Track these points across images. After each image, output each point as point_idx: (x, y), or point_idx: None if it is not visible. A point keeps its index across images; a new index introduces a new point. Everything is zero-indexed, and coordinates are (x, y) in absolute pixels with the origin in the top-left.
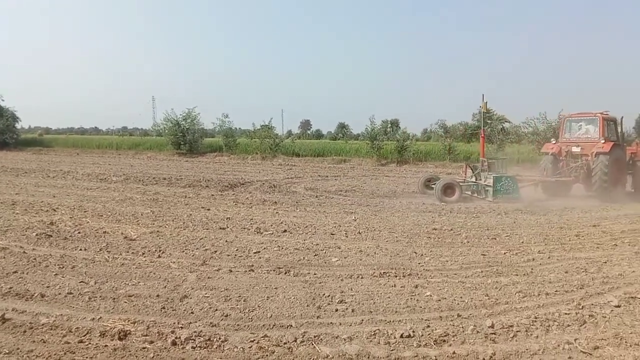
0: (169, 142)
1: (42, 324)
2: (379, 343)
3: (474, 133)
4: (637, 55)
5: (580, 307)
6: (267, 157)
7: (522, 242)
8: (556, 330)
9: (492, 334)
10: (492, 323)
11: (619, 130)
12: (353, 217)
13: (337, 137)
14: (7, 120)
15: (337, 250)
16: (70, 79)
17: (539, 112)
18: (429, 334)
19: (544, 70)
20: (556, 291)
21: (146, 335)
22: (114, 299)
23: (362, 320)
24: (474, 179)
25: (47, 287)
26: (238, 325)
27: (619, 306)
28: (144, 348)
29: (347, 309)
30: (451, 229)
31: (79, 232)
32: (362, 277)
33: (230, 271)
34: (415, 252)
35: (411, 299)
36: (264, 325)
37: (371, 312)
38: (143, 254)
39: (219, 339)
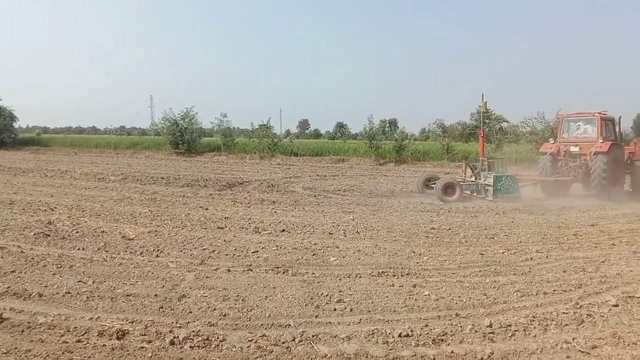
0: (167, 142)
1: (40, 324)
2: (377, 342)
3: (472, 133)
4: (635, 55)
5: (578, 306)
6: (265, 157)
7: (520, 241)
8: (554, 329)
9: (490, 333)
10: (490, 322)
11: (617, 129)
12: (351, 217)
13: (335, 137)
14: (5, 119)
15: (335, 249)
16: (69, 79)
17: (537, 111)
18: (427, 334)
19: (542, 70)
20: (554, 290)
21: (144, 335)
22: (112, 298)
23: (361, 319)
24: (473, 179)
25: (45, 286)
26: (236, 324)
27: (616, 305)
28: (142, 347)
29: (345, 308)
30: (449, 229)
31: (76, 232)
32: (360, 277)
33: (229, 271)
34: (414, 252)
35: (409, 298)
36: (262, 325)
37: (369, 311)
38: (141, 253)
39: (217, 338)
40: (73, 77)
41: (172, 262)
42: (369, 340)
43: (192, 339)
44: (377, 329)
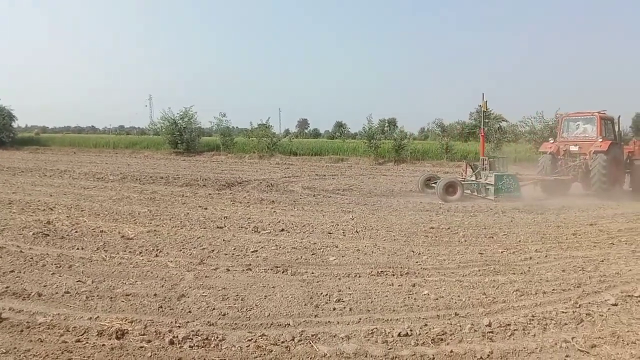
0: (166, 141)
1: (39, 324)
2: (376, 342)
3: (471, 132)
4: (634, 55)
5: (578, 305)
6: (264, 156)
7: (520, 240)
8: (553, 328)
9: (489, 332)
10: (489, 322)
11: (617, 129)
12: (350, 216)
13: (334, 136)
14: (4, 119)
15: (334, 249)
16: (68, 79)
17: (536, 111)
18: (426, 333)
19: (542, 70)
20: (553, 290)
21: (144, 335)
22: (111, 298)
23: (360, 319)
24: (474, 178)
25: (44, 286)
26: (236, 324)
27: (616, 305)
28: (141, 347)
29: (344, 307)
30: (448, 228)
31: (76, 231)
32: (359, 276)
33: (228, 270)
34: (413, 251)
35: (409, 297)
36: (261, 324)
37: (369, 310)
38: (140, 253)
39: (217, 338)
40: (73, 77)
41: (172, 261)
42: (369, 340)
43: (192, 339)
44: (376, 328)
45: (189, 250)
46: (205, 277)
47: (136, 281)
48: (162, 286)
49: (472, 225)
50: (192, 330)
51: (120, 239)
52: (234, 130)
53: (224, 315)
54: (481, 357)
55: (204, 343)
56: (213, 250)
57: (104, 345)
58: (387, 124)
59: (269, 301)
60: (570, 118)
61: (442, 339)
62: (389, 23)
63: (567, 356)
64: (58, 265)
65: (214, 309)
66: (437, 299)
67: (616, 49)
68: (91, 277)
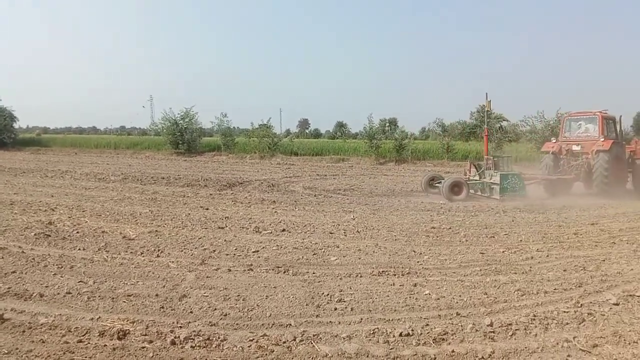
0: (167, 142)
1: (41, 324)
2: (378, 342)
3: (472, 132)
4: (634, 55)
5: (579, 305)
6: (265, 156)
7: (521, 240)
8: (555, 328)
9: (491, 332)
10: (491, 321)
11: (618, 128)
12: (352, 216)
13: (335, 136)
14: (5, 119)
15: (336, 249)
16: (69, 79)
17: (537, 110)
18: (428, 333)
19: (542, 70)
20: (555, 289)
21: (145, 335)
22: (113, 298)
23: (361, 319)
24: (477, 177)
25: (46, 287)
26: (237, 324)
27: (617, 304)
28: (143, 347)
29: (346, 307)
30: (450, 228)
31: (77, 232)
32: (361, 276)
33: (229, 270)
34: (414, 251)
35: (410, 297)
36: (263, 325)
37: (370, 310)
38: (142, 253)
39: (218, 338)
40: (73, 77)
41: (173, 262)
42: (370, 340)
43: (193, 339)
44: (377, 328)
45: (191, 250)
46: (207, 277)
47: (138, 281)
48: (164, 286)
49: (473, 225)
50: (194, 331)
51: (121, 239)
52: (235, 131)
53: (226, 315)
54: (483, 357)
55: (205, 343)
56: (214, 251)
57: (105, 345)
58: (387, 124)
59: (271, 301)
60: (572, 118)
61: (443, 339)
62: (389, 23)
63: (568, 356)
64: (60, 266)
65: (215, 309)
66: (438, 298)
67: (616, 49)
68: (93, 278)
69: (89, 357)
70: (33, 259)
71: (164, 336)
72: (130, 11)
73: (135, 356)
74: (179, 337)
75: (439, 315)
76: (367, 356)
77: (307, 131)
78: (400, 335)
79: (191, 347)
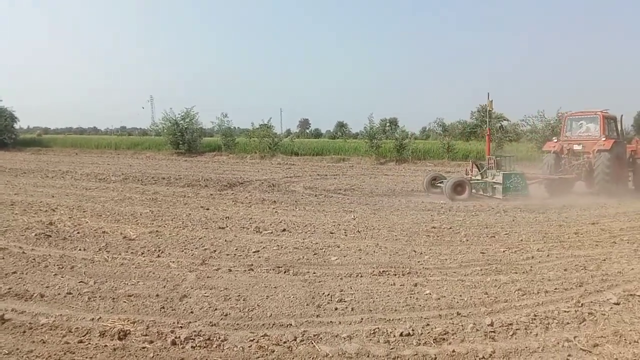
0: (168, 142)
1: (42, 324)
2: (378, 342)
3: (473, 132)
4: (634, 55)
5: (580, 304)
6: (266, 157)
7: (521, 240)
8: (555, 328)
9: (491, 332)
10: (491, 321)
11: (619, 128)
12: (352, 216)
13: (336, 136)
14: (6, 120)
15: (336, 249)
16: (69, 79)
17: (537, 110)
18: (428, 333)
19: (542, 70)
20: (555, 289)
21: (146, 335)
22: (114, 298)
23: (362, 319)
24: (479, 177)
25: (47, 287)
26: (238, 324)
27: (618, 304)
28: (143, 348)
29: (346, 307)
30: (450, 227)
31: (78, 232)
32: (361, 276)
33: (230, 270)
34: (415, 251)
35: (410, 297)
36: (263, 325)
37: (371, 310)
38: (142, 253)
39: (219, 338)
40: (73, 77)
41: (174, 262)
42: (370, 340)
43: (194, 339)
44: (378, 328)
45: (191, 250)
46: (207, 277)
47: (138, 282)
48: (164, 287)
49: (473, 225)
50: (194, 331)
51: (122, 239)
52: (235, 131)
53: (226, 315)
54: (483, 357)
55: (206, 343)
56: (215, 251)
57: (106, 346)
58: (388, 124)
59: (271, 301)
60: (573, 117)
61: (444, 339)
62: (389, 23)
63: (569, 355)
64: (60, 266)
65: (216, 309)
66: (439, 298)
67: (616, 49)
68: (93, 278)
69: (90, 358)
70: (34, 259)
71: (164, 336)
72: (130, 11)
73: (136, 356)
74: (179, 337)
75: (440, 315)
76: (368, 356)
77: (307, 131)
78: (401, 335)
79: (192, 347)
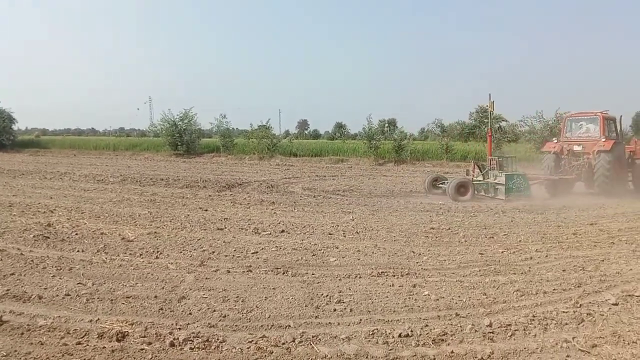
0: (166, 143)
1: (40, 326)
2: (377, 343)
3: (471, 132)
4: (634, 55)
5: (578, 305)
6: (264, 158)
7: (520, 240)
8: (554, 328)
9: (490, 332)
10: (490, 322)
11: (618, 128)
12: (351, 217)
13: (334, 137)
14: (4, 121)
15: (335, 250)
16: (68, 79)
17: (536, 110)
18: (427, 334)
19: (542, 70)
20: (554, 290)
21: (144, 337)
22: (112, 300)
23: (361, 320)
24: (481, 178)
25: (45, 288)
26: (236, 325)
27: (616, 304)
28: (142, 349)
29: (345, 308)
30: (449, 228)
31: (76, 234)
32: (360, 277)
33: (228, 272)
34: (413, 252)
35: (409, 298)
36: (262, 326)
37: (369, 311)
38: (141, 255)
39: (217, 339)
40: (73, 78)
41: (172, 263)
42: (369, 341)
43: (192, 341)
44: (377, 329)
45: (190, 252)
46: (206, 278)
47: (136, 283)
48: (163, 288)
49: (472, 226)
50: (193, 332)
51: (120, 241)
52: (234, 132)
53: (225, 317)
54: (482, 358)
55: (204, 345)
56: (213, 252)
57: (104, 347)
58: (387, 125)
59: (270, 302)
60: (573, 118)
61: (442, 340)
62: (389, 23)
63: (568, 356)
64: (58, 268)
65: (214, 310)
66: (437, 299)
67: (616, 49)
68: (91, 280)
69: (88, 359)
70: (32, 260)
71: (163, 338)
72: (130, 11)
73: (134, 358)
74: (178, 338)
75: (438, 315)
76: (367, 357)
77: (306, 132)
78: (400, 336)
79: (190, 348)
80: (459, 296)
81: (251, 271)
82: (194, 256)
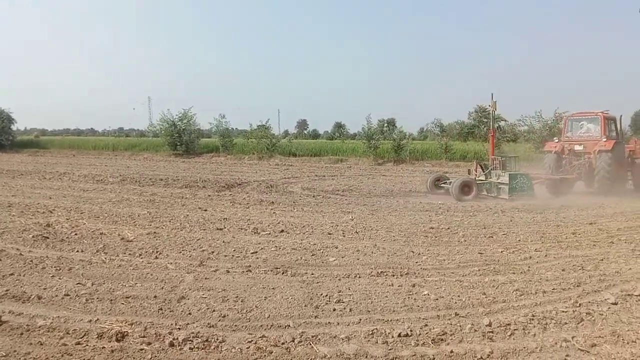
0: (166, 143)
1: (39, 326)
2: (376, 342)
3: (470, 132)
4: (634, 55)
5: (578, 304)
6: (263, 157)
7: (519, 240)
8: (553, 328)
9: (489, 332)
10: (489, 321)
11: (618, 128)
12: (350, 217)
13: (334, 137)
14: (3, 121)
15: (334, 250)
16: (68, 79)
17: (535, 110)
18: (426, 333)
19: (542, 70)
20: (553, 289)
21: (144, 337)
22: (111, 300)
23: (360, 319)
24: (483, 177)
25: (44, 289)
26: (236, 325)
27: (615, 304)
28: (141, 349)
29: (344, 308)
30: (448, 228)
31: (75, 234)
32: (359, 277)
33: (228, 272)
34: (413, 251)
35: (409, 298)
36: (261, 326)
37: (369, 311)
38: (140, 255)
39: (217, 339)
40: (73, 77)
41: (171, 263)
42: (369, 340)
43: (192, 341)
44: (376, 329)
45: (189, 252)
46: (205, 278)
47: (136, 283)
48: (162, 288)
49: (471, 225)
50: (192, 332)
51: (119, 241)
52: (233, 132)
53: (224, 316)
54: (481, 357)
55: (204, 345)
56: (213, 252)
57: (104, 347)
58: (386, 124)
59: (269, 302)
60: (574, 118)
61: (442, 339)
62: (389, 23)
63: (567, 355)
64: (58, 268)
65: (213, 310)
66: (437, 299)
67: (616, 49)
68: (91, 280)
69: (87, 359)
70: (31, 261)
71: (162, 338)
72: (130, 11)
73: (134, 358)
74: (177, 338)
75: (438, 315)
76: (366, 357)
77: (305, 132)
78: (399, 335)
79: (190, 348)
80: (459, 296)
81: (250, 271)
82: (194, 256)
